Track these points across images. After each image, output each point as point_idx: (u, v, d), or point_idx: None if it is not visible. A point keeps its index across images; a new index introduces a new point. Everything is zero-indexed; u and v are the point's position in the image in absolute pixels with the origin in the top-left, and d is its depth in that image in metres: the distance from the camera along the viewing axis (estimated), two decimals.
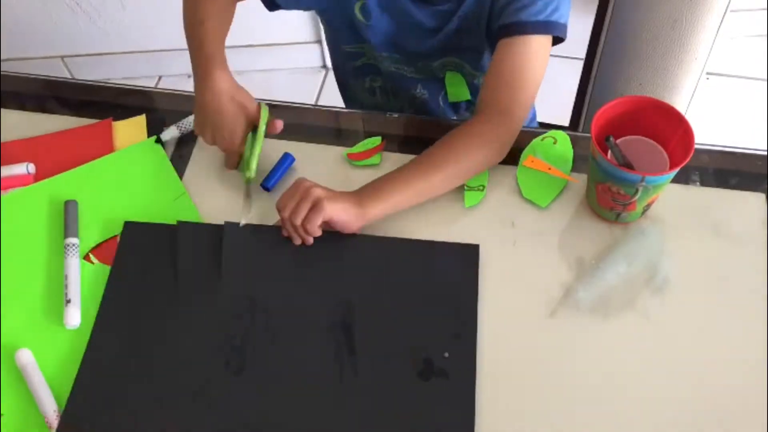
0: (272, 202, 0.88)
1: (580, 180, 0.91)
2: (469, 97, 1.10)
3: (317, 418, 0.76)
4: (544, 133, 0.95)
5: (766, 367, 0.77)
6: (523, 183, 0.91)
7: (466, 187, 0.90)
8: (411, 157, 0.92)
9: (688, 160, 0.78)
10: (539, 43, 0.87)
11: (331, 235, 0.85)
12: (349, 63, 1.11)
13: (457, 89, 1.08)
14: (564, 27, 0.88)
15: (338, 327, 0.81)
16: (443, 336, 0.80)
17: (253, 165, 0.90)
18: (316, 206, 0.81)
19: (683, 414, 0.75)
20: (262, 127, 0.91)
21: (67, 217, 0.90)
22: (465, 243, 0.85)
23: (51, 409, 0.76)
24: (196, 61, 0.89)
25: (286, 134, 0.95)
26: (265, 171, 0.93)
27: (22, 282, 0.87)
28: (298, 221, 0.82)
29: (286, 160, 0.94)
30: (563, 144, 0.94)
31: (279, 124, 0.91)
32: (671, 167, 0.81)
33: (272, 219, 0.89)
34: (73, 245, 0.88)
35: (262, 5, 0.99)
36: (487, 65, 1.03)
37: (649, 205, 0.86)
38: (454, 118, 1.14)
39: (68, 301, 0.83)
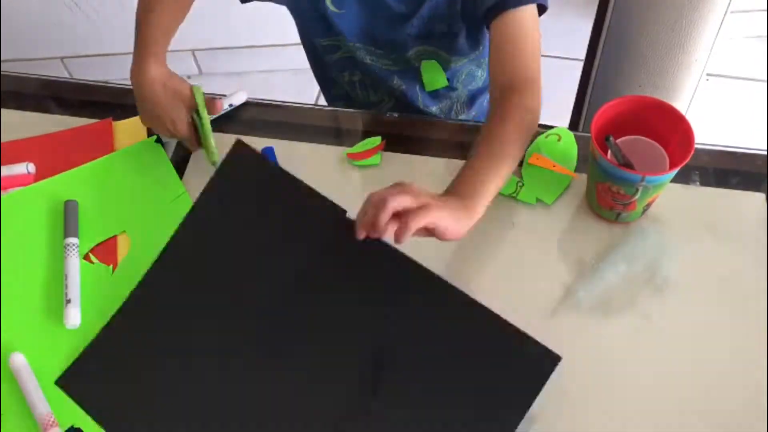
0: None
1: (582, 178, 0.91)
2: (446, 83, 1.10)
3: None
4: (548, 131, 0.96)
5: (766, 367, 0.77)
6: (528, 181, 0.92)
7: None
8: (412, 156, 0.92)
9: (688, 159, 0.78)
10: (530, 12, 0.89)
11: (411, 267, 0.74)
12: (326, 58, 1.11)
13: (434, 77, 1.09)
14: None
15: (372, 358, 0.74)
16: (475, 426, 0.71)
17: (212, 147, 0.92)
18: (424, 207, 0.69)
19: (683, 414, 0.75)
20: (202, 111, 0.92)
21: (67, 217, 0.90)
22: (549, 349, 0.71)
23: (44, 412, 0.76)
24: (135, 50, 0.91)
25: (287, 134, 0.95)
26: None
27: (22, 282, 0.87)
28: (401, 210, 0.69)
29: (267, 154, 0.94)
30: (567, 141, 0.94)
31: (219, 105, 0.94)
32: (671, 167, 0.81)
33: None
34: (73, 245, 0.87)
35: (260, 6, 0.99)
36: (462, 48, 1.05)
37: (649, 205, 0.86)
38: (434, 108, 1.15)
39: (68, 301, 0.83)
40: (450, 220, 0.71)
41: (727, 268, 0.84)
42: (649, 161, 0.85)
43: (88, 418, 0.77)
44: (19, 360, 0.80)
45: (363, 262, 0.76)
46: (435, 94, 1.13)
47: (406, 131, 1.01)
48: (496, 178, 0.78)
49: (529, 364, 0.72)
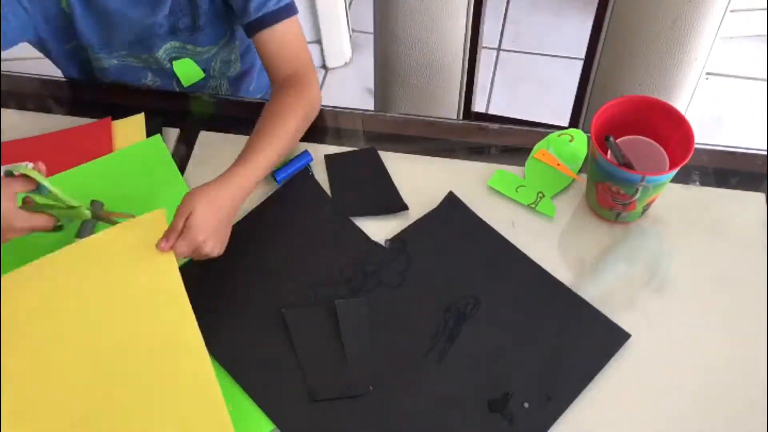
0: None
1: (584, 180, 0.91)
2: (203, 74, 1.11)
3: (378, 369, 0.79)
4: (563, 130, 0.96)
5: (766, 366, 0.77)
6: (529, 174, 0.92)
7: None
8: (414, 157, 0.93)
9: (687, 159, 0.78)
10: (287, 24, 0.97)
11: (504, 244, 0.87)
12: (74, 62, 1.08)
13: (188, 72, 1.10)
14: (293, 3, 0.98)
15: (455, 313, 0.82)
16: (538, 388, 0.77)
17: (72, 202, 0.83)
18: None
19: (683, 413, 0.75)
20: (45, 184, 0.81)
21: (80, 233, 0.89)
22: (620, 327, 0.80)
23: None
24: None
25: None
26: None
27: None
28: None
29: (304, 157, 0.95)
30: (579, 143, 0.94)
31: (42, 166, 0.83)
32: (671, 167, 0.82)
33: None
34: None
35: None
36: (209, 39, 1.06)
37: (648, 205, 0.86)
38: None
39: None
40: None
41: (727, 268, 0.84)
42: (649, 161, 0.85)
43: None
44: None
45: (467, 234, 0.88)
46: (195, 87, 1.13)
47: (400, 130, 1.01)
48: (256, 172, 0.86)
49: (601, 337, 0.80)
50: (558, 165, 0.92)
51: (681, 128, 0.82)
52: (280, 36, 0.97)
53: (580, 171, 0.93)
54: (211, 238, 0.80)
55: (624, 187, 0.80)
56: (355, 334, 0.81)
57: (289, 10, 0.97)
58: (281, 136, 0.90)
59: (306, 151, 0.95)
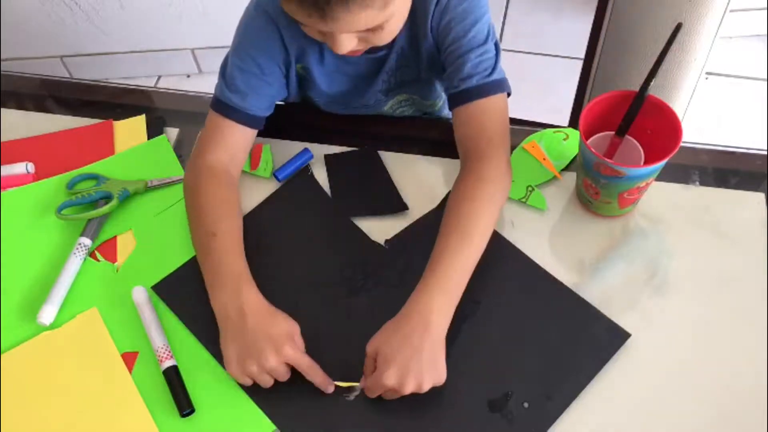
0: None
1: (566, 179, 0.91)
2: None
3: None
4: (561, 128, 0.96)
5: (766, 367, 0.77)
6: (514, 163, 0.91)
7: None
8: (413, 157, 0.93)
9: (672, 154, 0.77)
10: (493, 101, 0.87)
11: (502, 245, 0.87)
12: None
13: None
14: (506, 81, 0.89)
15: (455, 313, 0.78)
16: (538, 388, 0.77)
17: None
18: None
19: (683, 414, 0.75)
20: None
21: (93, 218, 0.90)
22: (620, 327, 0.80)
23: (161, 344, 0.80)
24: (219, 278, 0.81)
25: (290, 135, 0.95)
26: (280, 163, 0.95)
27: (23, 263, 0.89)
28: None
29: (304, 155, 0.95)
30: (572, 142, 0.94)
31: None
32: (654, 161, 0.80)
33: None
34: (82, 245, 0.88)
35: None
36: (438, 91, 1.04)
37: (633, 201, 0.86)
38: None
39: (50, 299, 0.84)
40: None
41: (727, 268, 0.84)
42: (634, 160, 0.85)
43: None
44: (140, 293, 0.84)
45: None
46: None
47: (408, 132, 1.01)
48: (459, 278, 0.79)
49: (601, 336, 0.80)
50: (544, 159, 0.92)
51: (670, 122, 0.81)
52: (479, 113, 0.87)
53: (565, 170, 0.93)
54: (404, 374, 0.73)
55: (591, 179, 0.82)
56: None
57: (499, 86, 0.87)
58: (468, 239, 0.80)
59: (306, 149, 0.95)
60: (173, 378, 0.78)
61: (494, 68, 0.87)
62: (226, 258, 0.82)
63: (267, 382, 0.76)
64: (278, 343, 0.75)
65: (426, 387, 0.74)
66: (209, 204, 0.86)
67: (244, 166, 0.94)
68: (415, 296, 0.77)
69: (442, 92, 1.05)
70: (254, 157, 0.95)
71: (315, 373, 0.77)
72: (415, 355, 0.73)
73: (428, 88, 1.03)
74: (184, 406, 0.77)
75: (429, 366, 0.74)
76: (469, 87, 0.86)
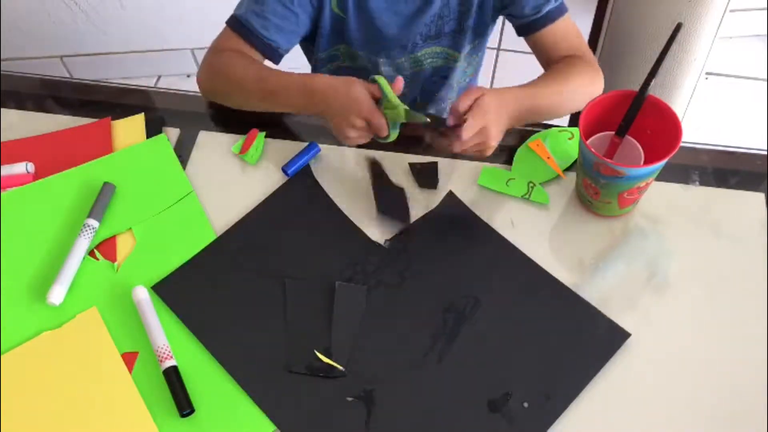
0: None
1: (570, 179, 0.91)
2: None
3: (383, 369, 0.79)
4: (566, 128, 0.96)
5: (766, 367, 0.77)
6: (517, 163, 0.92)
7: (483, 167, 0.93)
8: (406, 155, 0.93)
9: (669, 157, 0.77)
10: (565, 21, 0.99)
11: (499, 241, 0.87)
12: (320, 71, 1.10)
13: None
14: (564, 4, 1.00)
15: (455, 313, 0.82)
16: (537, 388, 0.77)
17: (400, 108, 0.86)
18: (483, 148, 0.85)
19: (683, 414, 0.75)
20: (389, 91, 0.86)
21: (99, 199, 0.91)
22: (620, 326, 0.80)
23: (162, 344, 0.80)
24: (296, 92, 0.88)
25: (291, 135, 0.95)
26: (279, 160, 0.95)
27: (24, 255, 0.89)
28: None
29: (312, 148, 0.95)
30: (576, 142, 0.94)
31: (399, 82, 0.86)
32: (653, 161, 0.80)
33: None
34: (90, 227, 0.88)
35: None
36: (468, 46, 1.07)
37: (633, 201, 0.85)
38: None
39: (59, 279, 0.84)
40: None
41: (727, 267, 0.84)
42: (634, 160, 0.85)
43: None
44: (141, 293, 0.83)
45: (467, 234, 0.89)
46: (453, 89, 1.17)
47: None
48: (550, 96, 0.91)
49: (600, 336, 0.80)
50: (548, 158, 0.92)
51: (670, 122, 0.81)
52: (556, 33, 0.98)
53: (568, 169, 0.93)
54: (494, 124, 0.82)
55: (591, 179, 0.82)
56: (345, 320, 0.81)
57: (561, 10, 0.98)
58: (566, 88, 0.93)
59: (313, 143, 0.95)
60: (173, 378, 0.78)
61: None
62: (285, 78, 0.87)
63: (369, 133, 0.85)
64: (360, 104, 0.83)
65: (493, 144, 0.84)
66: (243, 64, 0.89)
67: (233, 148, 0.95)
68: (522, 90, 0.89)
69: (467, 44, 1.07)
70: (248, 140, 0.95)
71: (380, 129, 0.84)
72: (507, 121, 0.86)
73: (463, 39, 1.05)
74: (184, 406, 0.77)
75: (500, 135, 0.85)
76: (551, 8, 0.97)
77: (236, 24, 0.89)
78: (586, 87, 0.94)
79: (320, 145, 0.96)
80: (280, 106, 0.92)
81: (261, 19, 0.88)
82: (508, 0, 0.99)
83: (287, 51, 0.96)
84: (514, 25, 1.02)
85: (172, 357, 0.80)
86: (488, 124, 0.82)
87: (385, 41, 1.02)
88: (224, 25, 0.96)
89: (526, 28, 1.00)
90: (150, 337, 0.81)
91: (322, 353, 0.79)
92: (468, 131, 0.80)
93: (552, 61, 0.99)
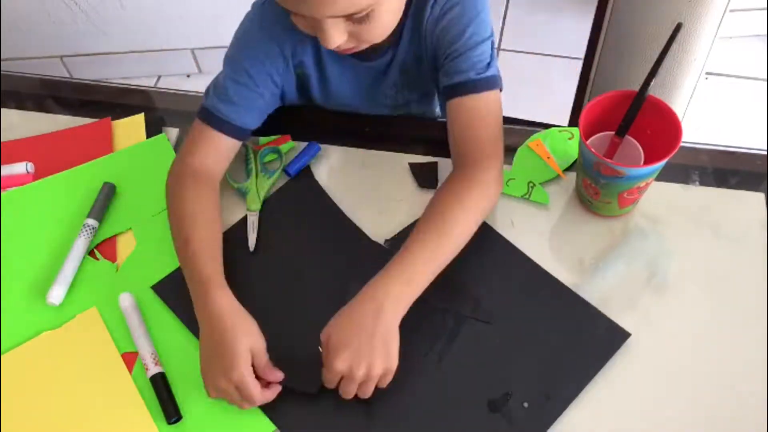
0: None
1: (570, 179, 0.91)
2: None
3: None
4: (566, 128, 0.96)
5: (766, 367, 0.77)
6: (517, 164, 0.92)
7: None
8: (406, 155, 0.92)
9: (669, 157, 0.77)
10: (485, 97, 0.86)
11: (498, 243, 0.87)
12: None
13: None
14: (500, 79, 0.88)
15: (455, 313, 0.82)
16: (537, 388, 0.77)
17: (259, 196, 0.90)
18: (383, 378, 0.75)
19: (683, 413, 0.75)
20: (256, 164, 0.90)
21: (99, 199, 0.91)
22: (620, 326, 0.80)
23: (149, 351, 0.80)
24: (191, 285, 0.81)
25: (291, 136, 0.95)
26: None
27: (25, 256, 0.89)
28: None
29: (312, 148, 0.95)
30: (576, 142, 0.94)
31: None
32: (652, 161, 0.80)
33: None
34: (91, 227, 0.88)
35: None
36: (441, 99, 1.03)
37: (633, 201, 0.86)
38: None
39: (58, 279, 0.84)
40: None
41: (727, 267, 0.84)
42: (634, 160, 0.85)
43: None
44: (127, 300, 0.83)
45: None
46: None
47: (409, 131, 1.01)
48: (425, 271, 0.78)
49: (600, 336, 0.80)
50: (548, 158, 0.92)
51: (670, 123, 0.81)
52: (470, 109, 0.86)
53: (568, 170, 0.93)
54: (354, 358, 0.72)
55: (590, 179, 0.82)
56: None
57: (491, 83, 0.86)
58: (445, 238, 0.79)
59: (313, 143, 0.96)
60: (160, 385, 0.78)
61: (490, 64, 0.86)
62: (197, 264, 0.80)
63: (236, 399, 0.74)
64: (232, 363, 0.73)
65: (376, 373, 0.72)
66: (187, 210, 0.85)
67: None
68: (373, 282, 0.76)
69: (438, 102, 1.05)
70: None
71: (267, 398, 0.75)
72: (366, 339, 0.72)
73: (434, 101, 1.03)
74: (172, 413, 0.76)
75: (380, 351, 0.73)
76: (471, 79, 0.85)
77: (206, 115, 0.89)
78: (471, 226, 0.81)
79: (320, 145, 0.96)
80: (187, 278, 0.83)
81: (229, 105, 0.88)
82: (441, 60, 0.89)
83: (255, 127, 0.93)
84: (440, 90, 0.91)
85: (159, 364, 0.79)
86: (349, 365, 0.72)
87: (353, 108, 1.01)
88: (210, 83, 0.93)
89: (446, 92, 0.88)
90: (136, 343, 0.81)
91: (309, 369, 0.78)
92: (327, 383, 0.75)
93: (455, 149, 0.87)
